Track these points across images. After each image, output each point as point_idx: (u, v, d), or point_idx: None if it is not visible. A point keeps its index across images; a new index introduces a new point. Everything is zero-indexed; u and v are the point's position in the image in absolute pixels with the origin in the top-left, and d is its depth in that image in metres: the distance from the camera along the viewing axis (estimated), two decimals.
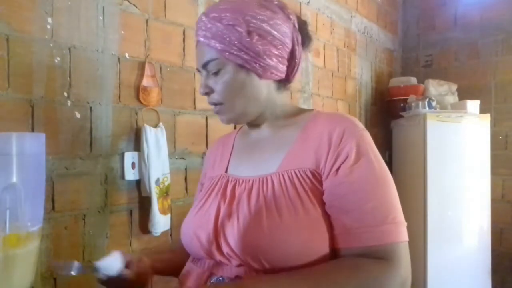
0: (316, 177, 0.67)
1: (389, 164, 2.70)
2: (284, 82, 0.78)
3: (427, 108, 2.39)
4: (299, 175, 0.68)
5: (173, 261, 0.85)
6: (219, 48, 0.69)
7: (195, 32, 0.74)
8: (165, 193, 1.35)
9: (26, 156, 0.61)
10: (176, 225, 1.41)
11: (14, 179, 0.57)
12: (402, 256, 0.62)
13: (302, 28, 0.77)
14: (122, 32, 1.28)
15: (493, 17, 2.74)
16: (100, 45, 1.22)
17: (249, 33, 0.68)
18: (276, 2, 0.73)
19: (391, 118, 2.74)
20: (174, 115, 1.45)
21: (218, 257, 0.68)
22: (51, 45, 1.11)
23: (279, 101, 0.78)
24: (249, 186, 0.71)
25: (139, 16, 1.33)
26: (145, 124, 1.30)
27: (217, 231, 0.68)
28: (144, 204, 1.33)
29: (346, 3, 2.49)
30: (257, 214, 0.65)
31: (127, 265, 0.72)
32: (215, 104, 0.74)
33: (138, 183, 1.32)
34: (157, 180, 1.31)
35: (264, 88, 0.74)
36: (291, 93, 1.99)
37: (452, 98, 2.65)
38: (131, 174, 1.29)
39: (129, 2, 1.30)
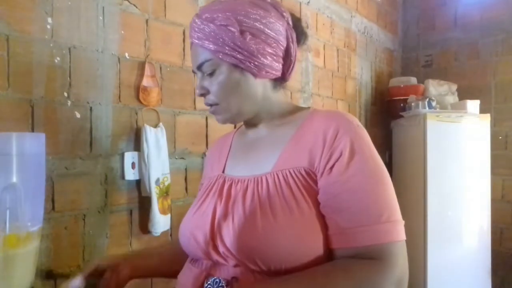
0: (311, 176, 0.67)
1: (389, 164, 2.70)
2: (280, 81, 0.78)
3: (427, 108, 2.39)
4: (293, 174, 0.67)
5: (160, 267, 0.85)
6: (212, 49, 0.69)
7: (189, 33, 0.74)
8: (165, 193, 1.35)
9: (26, 156, 0.61)
10: (176, 225, 1.41)
11: (14, 179, 0.57)
12: (397, 256, 0.61)
13: (297, 25, 0.76)
14: (122, 32, 1.28)
15: (493, 17, 2.74)
16: (100, 45, 1.22)
17: (242, 32, 0.68)
18: (268, 0, 0.73)
19: (391, 118, 2.74)
20: (174, 115, 1.45)
21: (215, 257, 0.68)
22: (51, 45, 1.11)
23: (275, 99, 0.78)
24: (244, 187, 0.71)
25: (139, 16, 1.33)
26: (145, 124, 1.30)
27: (214, 231, 0.68)
28: (144, 204, 1.33)
29: (346, 3, 2.49)
30: (252, 215, 0.65)
31: (102, 274, 0.75)
32: (211, 105, 0.75)
33: (138, 183, 1.32)
34: (157, 180, 1.31)
35: (260, 87, 0.74)
36: (291, 93, 1.99)
37: (452, 98, 2.65)
38: (131, 174, 1.29)
39: (129, 2, 1.30)
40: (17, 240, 0.57)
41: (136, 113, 1.32)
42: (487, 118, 2.53)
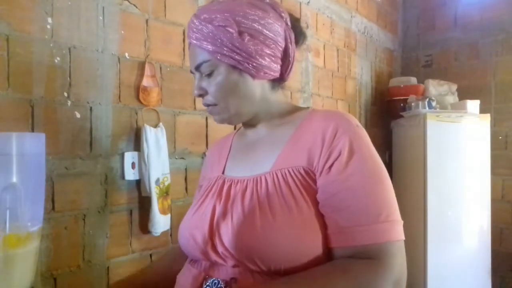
0: (310, 175, 0.67)
1: (389, 164, 2.70)
2: (278, 81, 0.78)
3: (427, 108, 2.39)
4: (292, 174, 0.67)
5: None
6: (210, 49, 0.69)
7: (187, 33, 0.74)
8: (165, 193, 1.35)
9: (26, 156, 0.60)
10: (176, 225, 1.41)
11: (14, 179, 0.57)
12: (396, 256, 0.61)
13: (295, 26, 0.76)
14: (122, 32, 1.28)
15: (493, 17, 2.74)
16: (100, 45, 1.22)
17: (240, 33, 0.68)
18: (267, 1, 0.73)
19: (391, 118, 2.74)
20: (174, 115, 1.45)
21: (214, 257, 0.68)
22: (51, 45, 1.11)
23: (274, 100, 0.78)
24: (244, 186, 0.71)
25: (139, 16, 1.33)
26: (145, 124, 1.30)
27: (212, 231, 0.68)
28: (144, 204, 1.33)
29: (346, 3, 2.49)
30: (251, 214, 0.65)
31: None
32: (209, 106, 0.75)
33: (138, 183, 1.32)
34: (157, 180, 1.31)
35: (258, 88, 0.74)
36: (291, 93, 1.99)
37: (452, 98, 2.65)
38: (131, 174, 1.29)
39: (129, 2, 1.30)
40: (17, 240, 0.57)
41: (136, 113, 1.32)
42: (487, 118, 2.53)
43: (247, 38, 0.68)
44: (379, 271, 0.60)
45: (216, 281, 0.66)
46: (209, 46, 0.69)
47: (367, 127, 2.69)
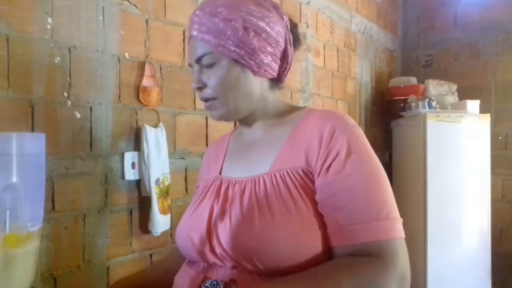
0: (308, 176, 0.67)
1: (389, 164, 2.70)
2: (276, 82, 0.78)
3: (427, 108, 2.39)
4: (291, 174, 0.67)
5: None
6: (214, 42, 0.69)
7: (189, 27, 0.74)
8: (165, 193, 1.35)
9: (26, 156, 0.60)
10: (176, 225, 1.40)
11: (14, 179, 0.57)
12: (398, 253, 0.61)
13: (293, 30, 0.77)
14: (122, 32, 1.28)
15: (493, 17, 2.74)
16: (100, 45, 1.22)
17: (245, 29, 0.68)
18: (269, 1, 0.73)
19: (391, 118, 2.74)
20: (174, 115, 1.45)
21: (211, 258, 0.67)
22: (51, 45, 1.11)
23: (272, 99, 0.78)
24: (242, 187, 0.71)
25: (139, 16, 1.33)
26: (145, 124, 1.30)
27: (210, 232, 0.68)
28: (144, 204, 1.33)
29: (346, 3, 2.49)
30: (249, 214, 0.64)
31: None
32: (207, 100, 0.74)
33: (138, 183, 1.32)
34: (157, 180, 1.31)
35: (258, 85, 0.74)
36: (291, 93, 1.99)
37: (452, 98, 2.65)
38: (131, 174, 1.29)
39: (129, 2, 1.30)
40: (17, 240, 0.57)
41: (136, 113, 1.32)
42: (487, 118, 2.53)
43: (251, 34, 0.69)
44: (383, 269, 0.59)
45: (215, 282, 0.66)
46: (212, 39, 0.69)
47: (367, 127, 2.69)
